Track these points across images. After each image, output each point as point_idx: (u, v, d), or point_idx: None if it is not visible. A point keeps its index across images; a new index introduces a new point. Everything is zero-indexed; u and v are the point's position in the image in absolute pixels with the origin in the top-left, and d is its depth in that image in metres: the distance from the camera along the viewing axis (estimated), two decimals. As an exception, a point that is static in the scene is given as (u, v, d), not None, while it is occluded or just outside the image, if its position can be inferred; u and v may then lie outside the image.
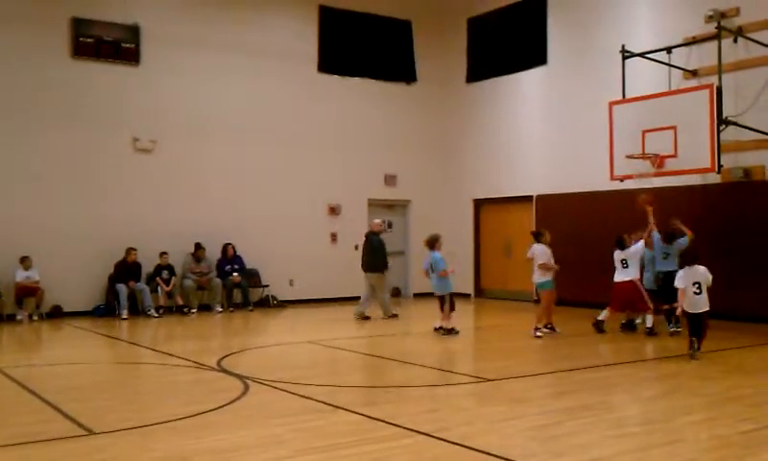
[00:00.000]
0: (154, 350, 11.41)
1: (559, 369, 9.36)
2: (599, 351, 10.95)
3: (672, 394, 8.01)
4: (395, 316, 14.70)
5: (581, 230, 15.87)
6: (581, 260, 15.13)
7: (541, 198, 17.48)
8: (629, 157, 13.13)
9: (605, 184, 14.42)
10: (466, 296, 19.05)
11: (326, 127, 18.57)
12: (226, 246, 16.83)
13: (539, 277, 12.15)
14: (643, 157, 13.02)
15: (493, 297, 18.75)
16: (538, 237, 12.46)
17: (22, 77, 15.10)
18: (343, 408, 7.07)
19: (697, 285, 9.54)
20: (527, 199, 17.85)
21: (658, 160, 12.81)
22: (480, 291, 19.31)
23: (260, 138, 17.64)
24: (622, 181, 13.64)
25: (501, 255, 18.75)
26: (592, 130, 15.55)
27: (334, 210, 18.77)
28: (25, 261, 14.63)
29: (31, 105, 15.15)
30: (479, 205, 19.49)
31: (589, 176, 15.74)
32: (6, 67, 14.99)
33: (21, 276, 14.66)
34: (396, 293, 19.18)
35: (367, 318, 14.60)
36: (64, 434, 6.27)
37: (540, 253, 12.12)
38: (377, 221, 15.73)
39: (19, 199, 14.88)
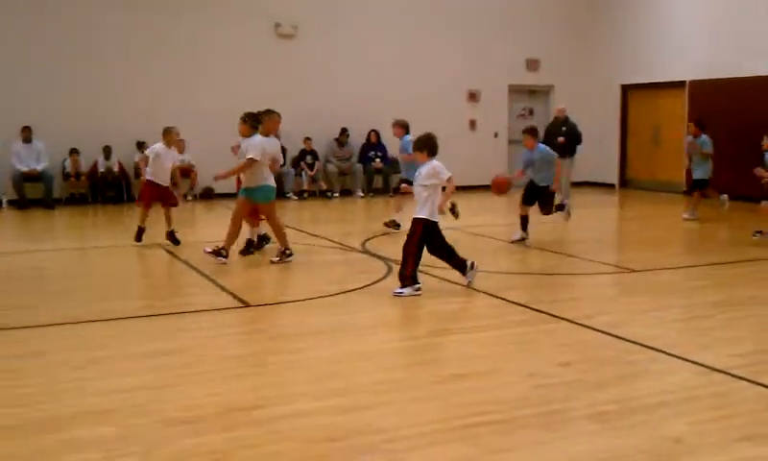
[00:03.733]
0: (300, 231, 11.88)
1: (708, 262, 9.04)
2: (751, 246, 10.46)
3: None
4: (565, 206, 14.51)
5: (740, 121, 14.89)
6: (738, 153, 14.28)
7: (696, 83, 16.48)
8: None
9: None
10: (610, 186, 18.54)
11: (467, 10, 18.11)
12: (369, 133, 17.04)
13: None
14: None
15: (640, 187, 18.11)
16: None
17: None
18: (483, 292, 7.18)
19: None
20: (679, 85, 16.87)
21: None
22: (625, 181, 18.69)
23: (401, 23, 17.45)
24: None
25: (649, 144, 17.99)
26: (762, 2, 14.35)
27: (474, 96, 18.51)
28: (180, 145, 15.39)
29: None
30: (626, 90, 18.64)
31: (753, 58, 14.65)
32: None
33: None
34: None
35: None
36: (226, 305, 6.75)
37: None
38: (561, 106, 15.42)
39: (172, 84, 15.50)
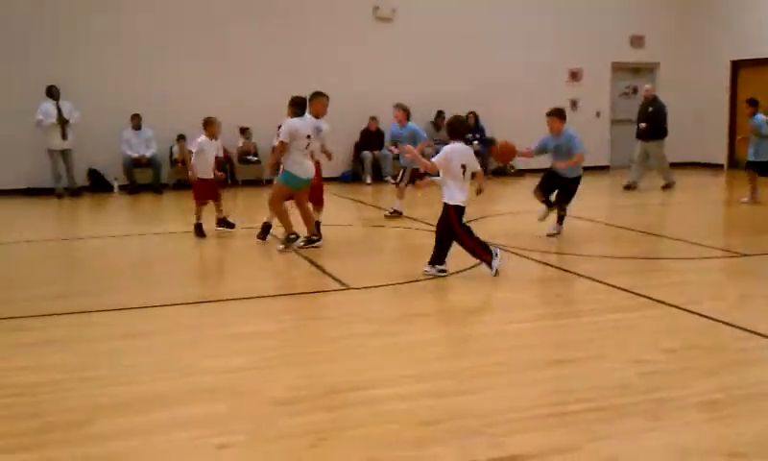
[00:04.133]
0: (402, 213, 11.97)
1: (825, 246, 8.59)
2: None
3: None
4: (672, 183, 14.14)
5: None
6: None
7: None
8: None
9: None
10: (718, 166, 17.83)
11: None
12: (468, 115, 16.93)
13: None
14: None
15: (750, 167, 17.32)
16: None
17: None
18: (584, 276, 7.06)
19: None
20: (795, 59, 16.03)
21: None
22: (734, 162, 17.92)
23: (498, 4, 17.24)
24: None
25: (760, 123, 17.16)
26: None
27: (575, 76, 18.12)
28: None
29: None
30: (737, 67, 17.83)
31: None
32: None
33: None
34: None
35: (630, 187, 14.17)
36: (326, 288, 6.88)
37: None
38: (648, 86, 15.02)
39: (271, 70, 15.80)
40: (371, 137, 16.44)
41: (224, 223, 9.97)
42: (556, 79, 17.87)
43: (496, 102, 17.21)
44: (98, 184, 14.95)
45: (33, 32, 14.33)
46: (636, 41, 18.44)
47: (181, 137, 14.98)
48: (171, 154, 15.30)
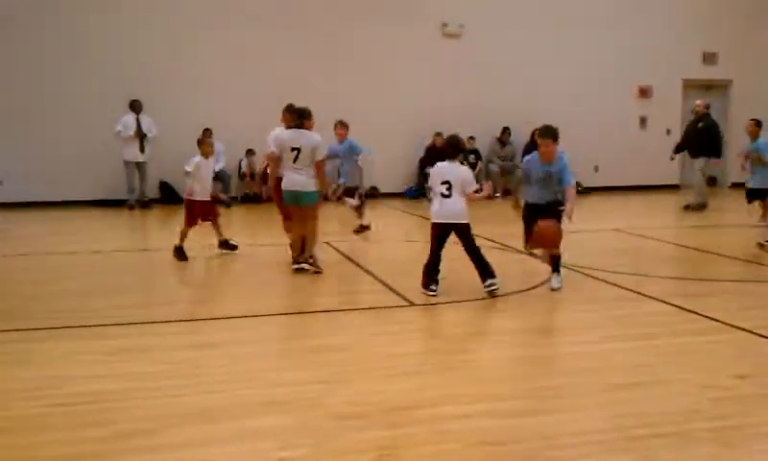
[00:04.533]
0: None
1: None
2: None
3: None
4: (701, 206, 13.73)
5: None
6: None
7: None
8: None
9: None
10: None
11: (637, 2, 17.45)
12: (533, 131, 16.80)
13: None
14: None
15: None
16: None
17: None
18: (654, 298, 6.93)
19: None
20: None
21: None
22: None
23: (566, 20, 17.08)
24: None
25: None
26: None
27: (645, 92, 17.82)
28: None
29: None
30: (816, 84, 17.29)
31: None
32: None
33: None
34: (712, 182, 17.93)
35: (691, 208, 13.81)
36: (390, 304, 6.91)
37: None
38: (699, 101, 14.66)
39: (342, 86, 15.97)
40: (435, 153, 16.44)
41: (226, 245, 9.49)
42: (624, 95, 17.62)
43: (562, 118, 16.99)
44: (168, 196, 15.33)
45: (111, 47, 14.83)
46: (709, 58, 18.05)
47: (250, 152, 15.27)
48: (240, 167, 15.62)
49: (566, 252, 8.73)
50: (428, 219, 10.45)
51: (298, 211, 8.19)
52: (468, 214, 7.17)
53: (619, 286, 7.39)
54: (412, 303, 6.87)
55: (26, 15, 14.61)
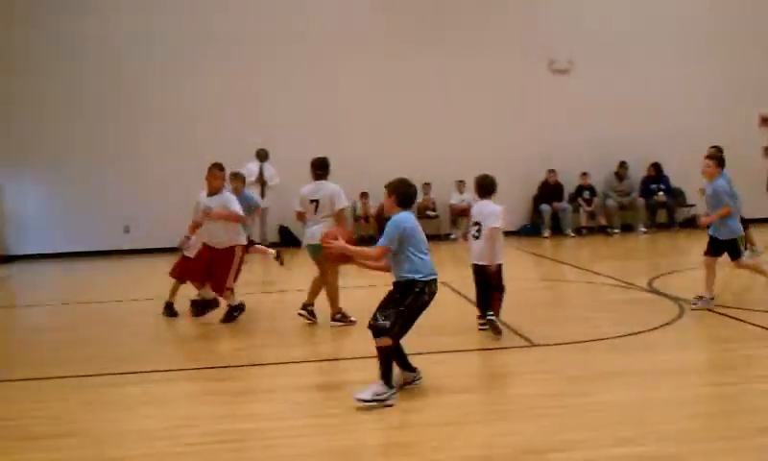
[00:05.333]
0: (579, 268, 11.70)
1: None
2: None
3: None
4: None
5: None
6: None
7: None
8: None
9: None
10: None
11: (761, 30, 16.82)
12: (651, 165, 16.39)
13: None
14: None
15: None
16: None
17: (443, 7, 16.15)
18: (795, 337, 6.56)
19: None
20: None
21: None
22: None
23: (678, 52, 16.64)
24: None
25: None
26: None
27: (767, 121, 17.07)
28: (460, 185, 15.95)
29: (452, 34, 16.17)
30: None
31: None
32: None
33: (456, 198, 16.04)
34: None
35: None
36: (510, 344, 6.82)
37: None
38: None
39: (455, 125, 16.06)
40: (549, 190, 16.27)
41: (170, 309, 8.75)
42: (748, 124, 16.92)
43: (680, 149, 16.51)
44: (287, 240, 15.75)
45: (238, 98, 15.52)
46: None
47: (364, 195, 15.52)
48: (354, 210, 15.89)
49: (696, 290, 8.38)
50: (543, 256, 10.35)
51: (318, 264, 8.08)
52: (496, 255, 7.08)
53: (753, 324, 7.03)
54: (532, 344, 6.76)
55: (159, 74, 15.49)
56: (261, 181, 15.17)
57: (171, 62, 15.56)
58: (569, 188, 16.42)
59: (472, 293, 7.43)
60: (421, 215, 16.07)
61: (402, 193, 5.47)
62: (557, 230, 16.17)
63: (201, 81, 15.58)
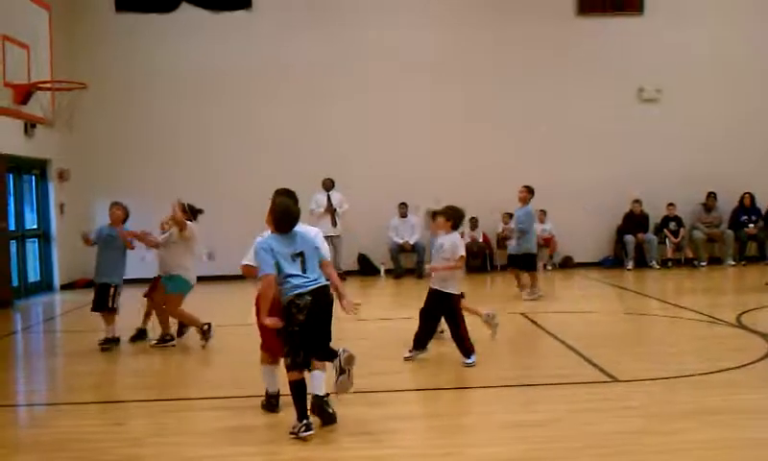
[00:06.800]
0: (664, 301, 11.41)
1: None
2: None
3: None
4: None
5: None
6: None
7: None
8: None
9: None
10: None
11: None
12: (743, 196, 15.89)
13: None
14: None
15: None
16: None
17: (532, 35, 16.10)
18: None
19: None
20: None
21: None
22: None
23: (745, 78, 16.15)
24: None
25: None
26: None
27: None
28: (541, 215, 15.77)
29: (540, 61, 16.11)
30: None
31: None
32: (519, 27, 16.13)
33: (537, 229, 15.85)
34: None
35: None
36: (592, 379, 6.71)
37: None
38: None
39: (536, 152, 15.93)
40: (634, 221, 15.92)
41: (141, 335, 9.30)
42: None
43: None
44: (366, 268, 15.88)
45: (307, 132, 15.84)
46: None
47: (474, 220, 15.48)
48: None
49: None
50: (626, 289, 10.10)
51: None
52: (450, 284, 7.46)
53: None
54: (615, 379, 6.62)
55: (254, 102, 15.94)
56: (330, 209, 15.35)
57: (243, 93, 15.97)
58: (655, 219, 16.05)
59: (548, 324, 7.33)
60: (501, 245, 15.89)
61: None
62: (641, 263, 15.79)
63: (273, 110, 15.93)
